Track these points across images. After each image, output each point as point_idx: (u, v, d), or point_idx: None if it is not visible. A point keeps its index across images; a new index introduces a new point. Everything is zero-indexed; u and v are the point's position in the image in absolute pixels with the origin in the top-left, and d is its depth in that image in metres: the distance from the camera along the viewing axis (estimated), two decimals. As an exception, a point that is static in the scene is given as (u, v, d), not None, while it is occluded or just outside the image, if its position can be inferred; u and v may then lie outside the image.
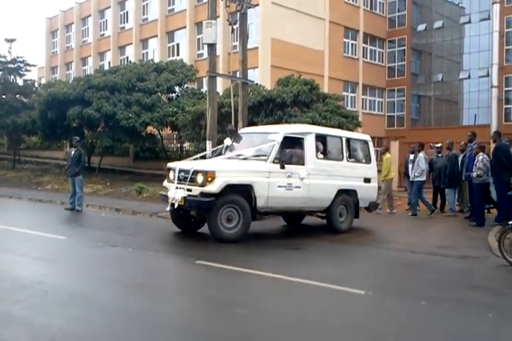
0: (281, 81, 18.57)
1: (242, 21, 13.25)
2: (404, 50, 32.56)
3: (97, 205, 12.29)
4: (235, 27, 13.38)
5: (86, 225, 10.15)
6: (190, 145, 21.65)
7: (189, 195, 7.86)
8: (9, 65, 25.87)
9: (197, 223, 8.77)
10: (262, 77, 23.56)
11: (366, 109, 31.53)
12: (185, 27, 29.33)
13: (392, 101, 33.28)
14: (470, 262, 7.09)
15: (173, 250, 7.32)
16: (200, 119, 16.39)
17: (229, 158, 8.93)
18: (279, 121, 15.83)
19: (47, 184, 17.32)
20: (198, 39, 28.19)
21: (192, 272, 6.08)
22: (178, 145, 24.60)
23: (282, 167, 8.32)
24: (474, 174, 10.40)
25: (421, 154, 12.51)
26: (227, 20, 13.14)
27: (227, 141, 9.63)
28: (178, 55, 29.83)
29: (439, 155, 13.14)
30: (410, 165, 12.70)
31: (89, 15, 37.04)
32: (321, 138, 9.32)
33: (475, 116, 29.48)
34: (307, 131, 9.11)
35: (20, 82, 26.39)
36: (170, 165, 8.73)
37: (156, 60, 25.17)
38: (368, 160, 10.21)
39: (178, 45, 30.72)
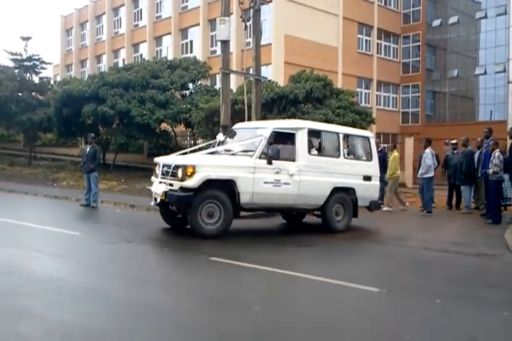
0: (293, 77, 18.52)
1: (255, 18, 13.22)
2: (418, 45, 32.22)
3: (111, 201, 12.39)
4: (248, 24, 13.38)
5: (101, 221, 10.24)
6: (204, 142, 21.68)
7: (170, 190, 7.83)
8: (25, 63, 26.16)
9: (184, 219, 8.45)
10: (275, 73, 23.50)
11: (380, 106, 31.31)
12: (198, 24, 29.36)
13: (406, 98, 32.98)
14: (486, 260, 7.01)
15: (186, 246, 7.35)
16: (214, 116, 16.43)
17: (215, 153, 8.80)
18: (291, 118, 15.79)
19: (62, 180, 17.50)
20: (212, 36, 28.20)
21: (206, 269, 6.09)
22: (192, 142, 24.68)
23: (269, 162, 8.12)
24: (490, 171, 10.26)
25: (427, 150, 12.40)
26: (241, 17, 13.14)
27: (220, 137, 9.62)
28: (191, 52, 29.89)
29: (455, 151, 13.00)
30: (434, 161, 12.63)
31: (104, 13, 37.27)
32: (315, 134, 9.05)
33: (491, 112, 29.09)
34: (299, 127, 8.84)
35: (36, 79, 26.66)
36: (156, 159, 8.72)
37: (170, 58, 25.27)
38: (369, 158, 9.81)
39: (191, 42, 30.78)
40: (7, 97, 23.00)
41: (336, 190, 9.00)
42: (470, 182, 12.04)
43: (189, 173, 7.62)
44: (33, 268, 5.71)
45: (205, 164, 7.92)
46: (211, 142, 10.19)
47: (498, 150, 10.40)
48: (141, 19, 34.44)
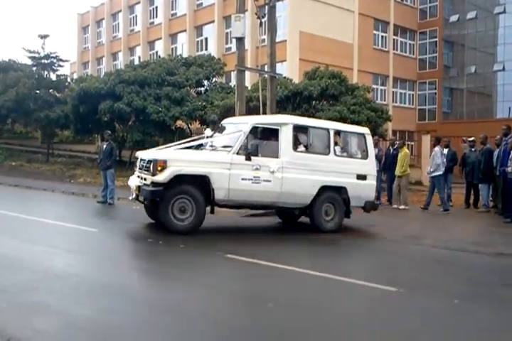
0: (308, 73, 18.43)
1: (270, 14, 13.16)
2: (435, 41, 31.83)
3: (128, 198, 12.46)
4: (263, 20, 13.33)
5: (118, 218, 10.32)
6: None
7: (144, 184, 7.83)
8: (43, 61, 26.46)
9: None
10: (290, 70, 23.43)
11: (397, 102, 31.03)
12: (213, 21, 29.39)
13: (423, 94, 32.63)
14: (504, 259, 6.92)
15: (202, 243, 7.37)
16: (229, 113, 16.44)
17: (200, 148, 8.69)
18: (305, 115, 15.73)
19: (79, 177, 17.68)
20: (226, 33, 28.22)
21: (222, 266, 6.10)
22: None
23: (248, 158, 7.91)
24: (509, 169, 10.10)
25: (437, 148, 12.27)
26: (256, 14, 13.11)
27: (208, 132, 9.54)
28: (206, 49, 29.95)
29: (473, 149, 12.83)
30: (444, 160, 12.47)
31: (120, 11, 37.50)
32: (301, 130, 8.71)
33: (509, 108, 28.64)
34: (283, 122, 8.51)
35: (53, 77, 26.95)
36: (137, 153, 8.70)
37: (185, 55, 25.34)
38: (365, 156, 9.24)
39: (206, 39, 30.83)
40: (25, 95, 23.27)
41: (325, 189, 8.60)
42: (488, 180, 11.88)
43: (160, 168, 7.56)
44: (51, 264, 5.77)
45: (177, 159, 7.81)
46: (199, 137, 9.92)
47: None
48: (156, 16, 34.59)
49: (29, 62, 27.12)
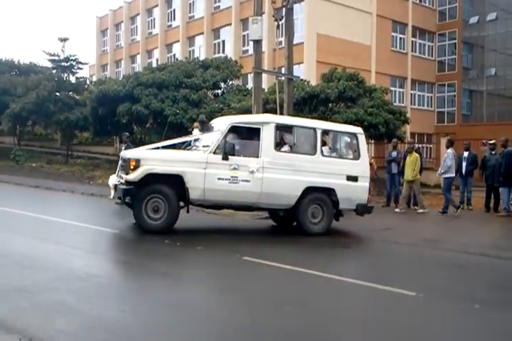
0: (325, 75, 18.38)
1: (288, 17, 13.16)
2: (455, 43, 31.44)
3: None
4: (280, 23, 13.34)
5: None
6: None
7: (120, 183, 7.90)
8: (62, 64, 26.90)
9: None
10: (308, 72, 23.38)
11: (415, 105, 30.72)
12: (230, 24, 29.49)
13: (442, 97, 32.24)
14: (526, 264, 6.79)
15: (220, 245, 7.38)
16: (246, 116, 16.47)
17: (176, 148, 8.66)
18: (322, 117, 15.68)
19: (98, 178, 17.86)
20: (243, 35, 28.27)
21: (240, 268, 6.11)
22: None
23: (225, 158, 7.83)
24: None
25: (449, 150, 12.14)
26: (273, 16, 13.12)
27: (196, 132, 9.51)
28: (223, 51, 30.04)
29: (493, 152, 12.65)
30: (464, 163, 12.33)
31: (138, 14, 37.85)
32: (286, 129, 8.53)
33: (531, 111, 28.13)
34: (264, 121, 8.33)
35: (72, 79, 27.38)
36: (121, 152, 8.79)
37: (202, 58, 25.47)
38: (356, 156, 8.84)
39: (223, 42, 30.94)
40: (45, 97, 23.64)
41: (311, 190, 8.32)
42: (509, 183, 11.68)
43: (132, 167, 7.62)
44: (71, 264, 5.83)
45: (150, 158, 7.82)
46: (188, 137, 9.88)
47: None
48: (174, 19, 34.84)
49: (49, 64, 27.62)
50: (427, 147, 26.16)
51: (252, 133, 8.32)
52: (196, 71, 21.71)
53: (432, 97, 32.19)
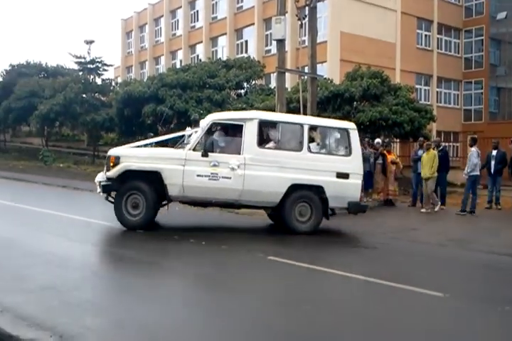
0: (349, 74, 18.23)
1: (311, 16, 13.11)
2: (482, 40, 30.76)
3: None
4: (303, 22, 13.30)
5: (161, 219, 10.47)
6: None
7: (103, 180, 8.09)
8: (88, 66, 27.43)
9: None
10: (331, 71, 23.22)
11: (441, 103, 30.19)
12: (253, 24, 29.51)
13: (469, 94, 31.61)
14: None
15: (245, 245, 7.39)
16: (269, 115, 16.45)
17: (166, 146, 8.78)
18: (346, 116, 15.55)
19: (123, 179, 18.10)
20: (266, 35, 28.26)
21: (265, 268, 6.10)
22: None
23: (204, 155, 7.84)
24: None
25: (473, 149, 11.86)
26: (296, 15, 13.10)
27: (188, 130, 9.52)
28: (246, 51, 30.09)
29: (522, 150, 12.36)
30: (493, 162, 12.07)
31: (162, 16, 38.23)
32: (270, 126, 8.43)
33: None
34: (248, 117, 8.28)
35: (98, 81, 27.88)
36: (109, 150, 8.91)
37: (225, 58, 25.57)
38: (348, 153, 8.48)
39: (246, 42, 31.00)
40: (72, 99, 24.12)
41: (297, 188, 8.11)
42: (539, 182, 11.40)
43: (112, 163, 7.85)
44: (98, 263, 5.94)
45: (129, 155, 8.07)
46: (180, 134, 9.78)
47: None
48: (197, 20, 35.07)
49: (75, 67, 28.17)
50: (453, 146, 25.71)
51: (235, 130, 8.32)
52: (219, 71, 21.84)
53: (458, 95, 31.59)
